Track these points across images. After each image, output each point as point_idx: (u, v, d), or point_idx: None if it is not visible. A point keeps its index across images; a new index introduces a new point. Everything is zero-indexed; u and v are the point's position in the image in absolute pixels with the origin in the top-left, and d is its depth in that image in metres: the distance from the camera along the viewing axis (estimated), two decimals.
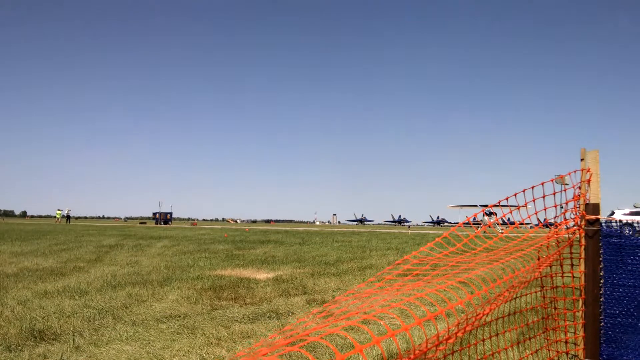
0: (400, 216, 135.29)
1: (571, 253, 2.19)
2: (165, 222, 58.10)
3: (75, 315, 4.12)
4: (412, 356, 1.10)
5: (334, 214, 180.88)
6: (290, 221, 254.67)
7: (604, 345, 2.09)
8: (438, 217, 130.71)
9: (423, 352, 1.17)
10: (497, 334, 2.03)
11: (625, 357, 2.04)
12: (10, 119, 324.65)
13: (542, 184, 2.17)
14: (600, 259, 2.08)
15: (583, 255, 2.08)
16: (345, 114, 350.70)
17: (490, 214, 28.66)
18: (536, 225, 2.39)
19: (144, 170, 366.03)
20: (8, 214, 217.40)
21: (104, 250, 11.35)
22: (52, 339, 3.38)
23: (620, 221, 2.18)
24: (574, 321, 2.12)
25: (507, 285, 1.57)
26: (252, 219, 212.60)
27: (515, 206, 2.13)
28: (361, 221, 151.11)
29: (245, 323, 3.95)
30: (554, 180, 2.28)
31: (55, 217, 53.31)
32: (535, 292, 2.34)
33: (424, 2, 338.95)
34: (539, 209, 2.20)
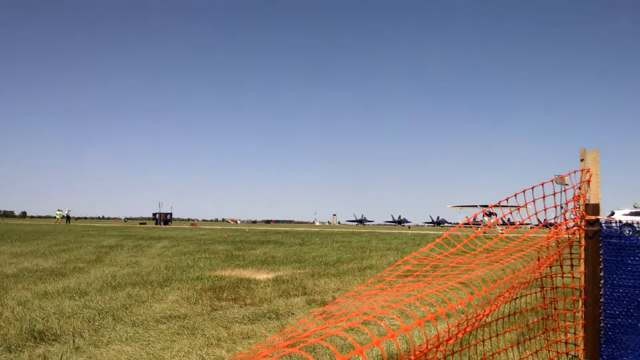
0: (400, 216, 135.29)
1: (571, 254, 2.19)
2: (165, 223, 58.08)
3: (75, 316, 4.12)
4: (412, 357, 1.10)
5: (334, 215, 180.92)
6: (290, 221, 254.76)
7: (604, 345, 2.09)
8: (438, 218, 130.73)
9: (423, 353, 1.17)
10: (497, 335, 2.03)
11: (625, 358, 2.04)
12: (10, 119, 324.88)
13: (542, 184, 2.17)
14: (600, 259, 2.08)
15: (583, 256, 2.08)
16: (345, 114, 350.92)
17: (490, 214, 28.67)
18: (536, 225, 2.39)
19: (143, 171, 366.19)
20: (8, 214, 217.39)
21: (104, 250, 11.35)
22: (52, 340, 3.38)
23: (620, 222, 2.18)
24: (574, 322, 2.12)
25: (507, 286, 1.57)
26: (252, 219, 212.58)
27: (515, 207, 2.13)
28: (361, 221, 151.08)
29: (245, 324, 3.95)
30: (554, 181, 2.28)
31: (55, 217, 53.32)
32: (536, 293, 2.34)
33: (424, 2, 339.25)
34: (539, 210, 2.20)
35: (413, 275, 1.65)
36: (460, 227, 1.95)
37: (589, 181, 2.12)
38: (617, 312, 2.07)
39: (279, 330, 3.80)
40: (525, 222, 2.25)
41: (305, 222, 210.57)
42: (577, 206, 2.14)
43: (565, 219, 2.17)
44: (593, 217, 2.07)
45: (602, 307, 2.09)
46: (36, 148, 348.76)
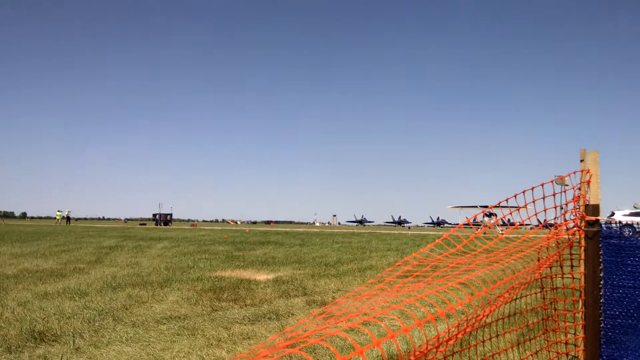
0: (400, 217, 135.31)
1: (571, 254, 2.19)
2: (165, 223, 58.08)
3: (75, 316, 4.12)
4: (412, 357, 1.10)
5: (334, 215, 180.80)
6: (290, 222, 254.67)
7: (604, 346, 2.09)
8: (438, 218, 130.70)
9: (423, 354, 1.18)
10: (497, 335, 2.03)
11: (625, 359, 2.04)
12: (10, 119, 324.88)
13: (542, 185, 2.17)
14: (600, 260, 2.08)
15: (583, 257, 2.08)
16: (345, 114, 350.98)
17: (490, 215, 28.65)
18: (536, 226, 2.40)
19: (144, 171, 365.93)
20: (8, 215, 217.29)
21: (104, 251, 11.35)
22: (52, 341, 3.38)
23: (620, 222, 2.18)
24: (574, 322, 2.12)
25: (507, 287, 1.57)
26: (252, 220, 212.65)
27: (515, 207, 2.13)
28: (361, 222, 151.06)
29: (245, 324, 3.95)
30: (553, 181, 2.28)
31: (55, 218, 53.29)
32: (535, 294, 2.34)
33: (424, 2, 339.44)
34: (539, 210, 2.20)
35: (413, 275, 1.65)
36: (460, 227, 1.95)
37: (589, 182, 2.12)
38: (617, 313, 2.07)
39: (279, 330, 3.80)
40: (525, 222, 2.25)
41: (305, 223, 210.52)
42: (577, 207, 2.14)
43: (565, 220, 2.17)
44: (593, 218, 2.07)
45: (602, 308, 2.09)
46: (36, 148, 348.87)
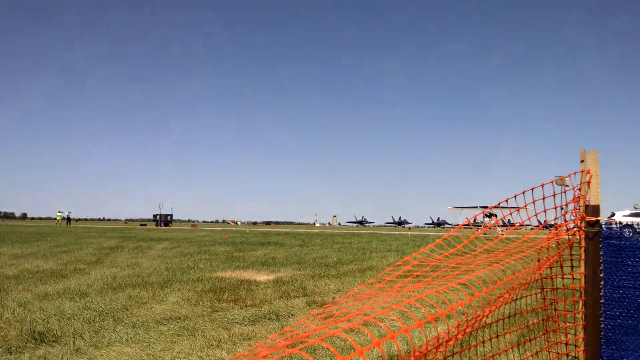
0: (400, 218, 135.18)
1: (571, 255, 2.19)
2: (166, 224, 58.09)
3: (75, 317, 4.12)
4: (412, 358, 1.10)
5: (334, 216, 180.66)
6: (291, 223, 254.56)
7: (604, 347, 2.09)
8: (438, 219, 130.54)
9: (423, 354, 1.18)
10: (497, 336, 2.03)
11: (625, 359, 2.04)
12: (10, 119, 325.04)
13: (542, 185, 2.17)
14: (600, 260, 2.08)
15: (583, 257, 2.08)
16: (345, 115, 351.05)
17: (490, 215, 28.63)
18: (536, 227, 2.39)
19: (144, 172, 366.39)
20: (8, 216, 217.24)
21: (105, 252, 11.35)
22: (53, 341, 3.38)
23: (620, 223, 2.18)
24: (574, 323, 2.12)
25: (507, 287, 1.57)
26: (253, 220, 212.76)
27: (516, 208, 2.13)
28: (361, 223, 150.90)
29: (245, 325, 3.95)
30: (554, 182, 2.28)
31: (55, 219, 53.29)
32: (536, 294, 2.34)
33: (424, 2, 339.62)
34: (539, 211, 2.20)
35: (413, 275, 1.65)
36: (460, 228, 1.95)
37: (589, 182, 2.12)
38: (617, 313, 2.07)
39: (279, 331, 3.79)
40: (526, 223, 2.25)
41: (305, 224, 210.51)
42: (577, 207, 2.14)
43: (565, 220, 2.17)
44: (593, 219, 2.07)
45: (602, 308, 2.09)
46: (36, 149, 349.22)
